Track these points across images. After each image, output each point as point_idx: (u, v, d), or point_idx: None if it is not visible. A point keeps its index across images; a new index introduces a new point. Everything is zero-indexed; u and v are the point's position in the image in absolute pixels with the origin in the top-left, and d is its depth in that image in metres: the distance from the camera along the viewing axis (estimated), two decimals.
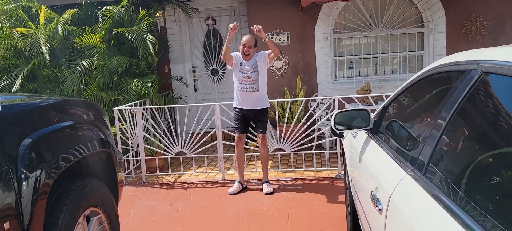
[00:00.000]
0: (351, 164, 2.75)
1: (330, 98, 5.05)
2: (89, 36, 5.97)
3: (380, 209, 1.61)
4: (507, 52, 1.24)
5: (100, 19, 6.16)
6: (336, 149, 5.44)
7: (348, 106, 5.09)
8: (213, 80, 7.46)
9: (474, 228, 0.99)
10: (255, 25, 4.36)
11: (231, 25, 4.28)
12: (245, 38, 4.38)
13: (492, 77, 1.21)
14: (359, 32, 6.35)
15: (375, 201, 1.72)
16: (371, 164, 2.08)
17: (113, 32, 6.00)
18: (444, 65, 1.59)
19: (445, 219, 1.11)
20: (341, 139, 3.53)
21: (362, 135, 2.57)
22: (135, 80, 5.90)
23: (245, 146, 5.04)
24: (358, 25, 6.32)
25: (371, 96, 5.08)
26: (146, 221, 3.93)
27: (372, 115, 2.44)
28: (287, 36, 6.43)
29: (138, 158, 5.27)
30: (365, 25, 6.33)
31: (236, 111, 4.54)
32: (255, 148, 5.32)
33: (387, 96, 5.06)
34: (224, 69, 7.31)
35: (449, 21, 6.05)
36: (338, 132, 2.39)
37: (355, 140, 2.70)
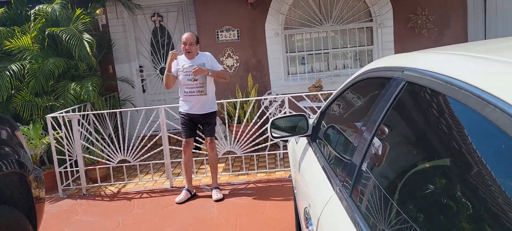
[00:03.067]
0: (293, 170, 2.60)
1: (282, 96, 4.90)
2: (19, 37, 5.45)
3: None
4: (430, 59, 1.10)
5: (32, 19, 5.65)
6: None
7: (300, 104, 4.97)
8: (162, 79, 7.09)
9: None
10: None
11: (171, 52, 4.08)
12: (185, 36, 4.12)
13: (416, 87, 1.06)
14: (309, 28, 6.25)
15: (307, 220, 1.56)
16: (306, 176, 1.92)
17: (47, 32, 5.52)
18: (372, 70, 1.45)
19: None
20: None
21: (303, 140, 2.41)
22: (74, 83, 5.47)
23: (197, 150, 4.80)
24: (308, 20, 6.22)
25: (321, 94, 4.98)
26: None
27: (311, 120, 2.29)
28: (237, 33, 6.22)
29: (77, 168, 4.87)
30: (315, 21, 6.23)
31: (182, 115, 4.28)
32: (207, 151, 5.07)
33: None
34: None
35: (396, 15, 6.08)
36: (274, 139, 2.21)
37: (297, 145, 2.55)
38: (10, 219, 2.20)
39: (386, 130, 1.18)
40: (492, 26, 6.57)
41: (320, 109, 2.20)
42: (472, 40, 6.44)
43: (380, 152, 1.19)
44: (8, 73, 5.25)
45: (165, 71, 4.15)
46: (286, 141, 3.27)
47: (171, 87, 4.25)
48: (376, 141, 1.19)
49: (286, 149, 5.39)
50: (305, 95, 4.89)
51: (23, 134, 5.32)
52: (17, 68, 5.30)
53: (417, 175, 1.04)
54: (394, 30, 6.12)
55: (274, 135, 2.17)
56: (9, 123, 2.60)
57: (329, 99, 2.13)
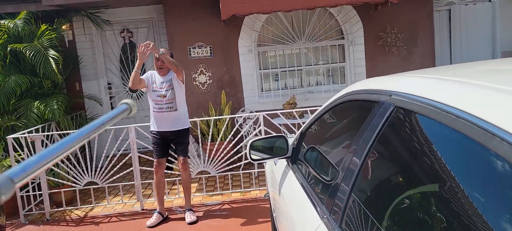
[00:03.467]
0: (272, 192, 2.52)
1: (256, 114, 4.84)
2: None
3: None
4: (418, 83, 1.07)
5: None
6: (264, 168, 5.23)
7: (275, 122, 4.93)
8: (132, 97, 6.90)
9: None
10: (141, 44, 3.82)
11: (140, 49, 3.81)
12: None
13: (406, 112, 1.03)
14: (283, 45, 6.27)
15: None
16: (288, 200, 1.84)
17: (9, 49, 5.24)
18: (355, 92, 1.41)
19: None
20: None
21: (282, 160, 2.34)
22: (37, 102, 5.19)
23: (169, 170, 4.63)
24: (281, 37, 6.24)
25: (296, 111, 4.96)
26: None
27: (291, 141, 2.23)
28: (210, 49, 6.14)
29: (40, 192, 4.58)
30: (289, 38, 6.26)
31: (153, 134, 4.12)
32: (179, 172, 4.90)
33: (312, 110, 4.99)
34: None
35: (367, 33, 6.20)
36: (254, 162, 2.13)
37: (276, 166, 2.47)
38: None
39: (376, 155, 1.13)
40: (456, 42, 6.84)
41: (300, 130, 2.14)
42: (439, 57, 6.67)
43: (371, 179, 1.14)
44: None
45: (135, 68, 3.85)
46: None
47: (136, 88, 4.00)
48: (366, 167, 1.14)
49: (261, 168, 5.30)
50: (280, 112, 4.85)
51: None
52: None
53: (412, 204, 0.99)
54: (365, 47, 6.23)
55: (253, 157, 2.09)
56: None
57: (309, 120, 2.08)
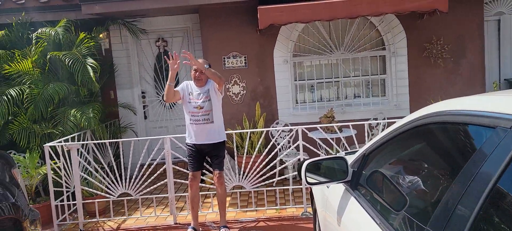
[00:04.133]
0: (324, 218, 2.29)
1: (294, 128, 4.62)
2: (19, 61, 5.20)
3: None
4: None
5: (33, 42, 5.41)
6: (301, 184, 4.99)
7: (312, 135, 4.70)
8: (165, 106, 6.84)
9: None
10: (186, 54, 3.75)
11: (170, 61, 3.71)
12: (193, 61, 3.85)
13: None
14: (319, 55, 6.05)
15: None
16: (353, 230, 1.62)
17: (48, 56, 5.28)
18: (450, 113, 1.17)
19: None
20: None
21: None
22: (74, 110, 5.18)
23: (201, 182, 4.48)
24: (318, 48, 6.02)
25: (336, 125, 4.71)
26: None
27: (350, 162, 2.01)
28: (245, 59, 6.00)
29: (74, 202, 4.52)
30: (326, 48, 6.04)
31: (189, 146, 3.99)
32: (212, 184, 4.74)
33: (356, 125, 4.71)
34: None
35: (411, 44, 5.89)
36: (310, 186, 1.92)
37: (328, 189, 2.25)
38: None
39: (505, 197, 0.90)
40: (506, 54, 6.41)
41: (362, 151, 1.92)
42: (487, 69, 6.25)
43: (498, 224, 0.91)
44: (6, 98, 4.97)
45: (168, 81, 3.77)
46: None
47: (171, 102, 3.87)
48: (489, 210, 0.91)
49: (297, 184, 5.06)
50: (320, 127, 4.61)
51: (18, 165, 5.01)
52: (16, 93, 5.02)
53: None
54: (408, 59, 5.92)
55: (309, 180, 1.88)
56: (6, 159, 2.31)
57: (375, 140, 1.85)
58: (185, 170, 4.43)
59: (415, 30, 5.85)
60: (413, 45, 5.88)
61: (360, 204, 1.66)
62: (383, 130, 5.02)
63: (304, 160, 2.03)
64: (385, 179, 1.71)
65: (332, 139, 4.71)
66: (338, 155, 2.06)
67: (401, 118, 5.06)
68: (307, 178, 1.89)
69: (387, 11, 5.06)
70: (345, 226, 1.74)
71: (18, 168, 4.89)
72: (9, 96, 4.98)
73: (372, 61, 6.13)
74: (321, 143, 4.65)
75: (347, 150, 4.57)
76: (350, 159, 2.05)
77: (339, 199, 1.97)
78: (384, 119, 5.72)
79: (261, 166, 4.54)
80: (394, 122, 4.26)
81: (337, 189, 2.07)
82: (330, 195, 2.19)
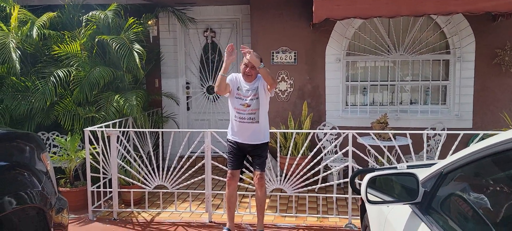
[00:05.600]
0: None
1: (343, 132, 4.23)
2: (68, 43, 5.22)
3: None
4: None
5: (83, 24, 5.42)
6: (346, 193, 4.59)
7: (362, 141, 4.29)
8: (208, 98, 6.68)
9: None
10: (245, 48, 3.57)
11: (227, 49, 3.51)
12: (248, 56, 3.58)
13: None
14: (376, 55, 5.58)
15: None
16: None
17: (96, 40, 5.25)
18: None
19: None
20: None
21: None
22: (117, 95, 5.12)
23: (239, 181, 4.23)
24: (375, 47, 5.56)
25: (391, 132, 4.27)
26: None
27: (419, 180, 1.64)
28: (295, 55, 5.67)
29: (111, 189, 4.44)
30: (383, 48, 5.57)
31: (230, 143, 3.74)
32: (251, 183, 4.45)
33: (414, 135, 4.21)
34: None
35: (480, 49, 5.28)
36: (372, 204, 1.58)
37: (388, 208, 1.90)
38: None
39: None
40: None
41: (438, 170, 1.55)
42: None
43: None
44: (53, 79, 4.99)
45: (221, 71, 3.54)
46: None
47: (221, 94, 3.65)
48: None
49: (342, 193, 4.67)
50: (373, 133, 4.20)
51: (58, 147, 5.02)
52: (63, 74, 5.04)
53: None
54: (476, 65, 5.31)
55: (371, 198, 1.54)
56: (37, 142, 2.17)
57: (456, 158, 1.47)
58: (223, 167, 4.20)
59: (486, 34, 5.24)
60: (482, 51, 5.27)
61: None
62: (444, 142, 4.49)
63: (360, 170, 1.69)
64: (469, 206, 1.34)
65: (385, 146, 4.27)
66: (402, 169, 1.70)
67: (463, 129, 4.48)
68: (368, 194, 1.55)
69: (457, 11, 4.52)
70: None
71: (59, 149, 4.93)
72: (57, 77, 5.00)
73: (433, 65, 5.57)
74: (371, 150, 4.23)
75: (401, 161, 4.12)
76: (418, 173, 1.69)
77: (405, 222, 1.61)
78: (443, 129, 5.17)
79: (304, 170, 4.21)
80: (457, 134, 3.77)
81: (402, 209, 1.72)
82: (390, 215, 1.84)
